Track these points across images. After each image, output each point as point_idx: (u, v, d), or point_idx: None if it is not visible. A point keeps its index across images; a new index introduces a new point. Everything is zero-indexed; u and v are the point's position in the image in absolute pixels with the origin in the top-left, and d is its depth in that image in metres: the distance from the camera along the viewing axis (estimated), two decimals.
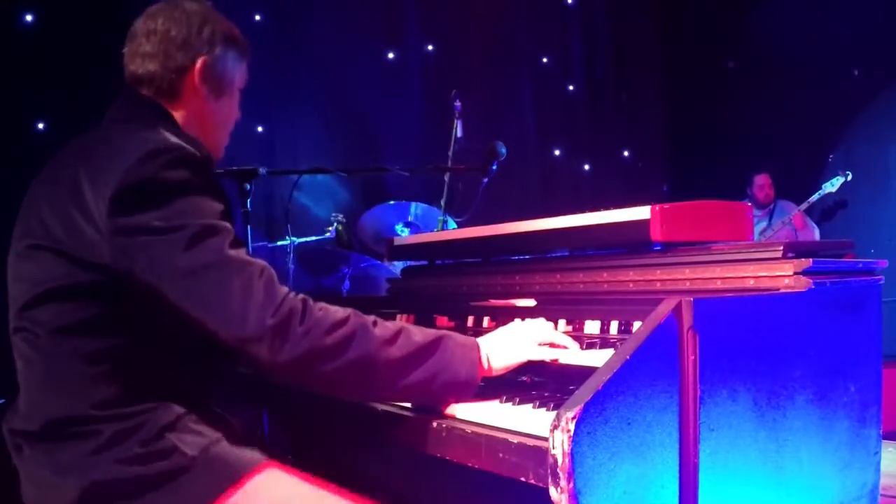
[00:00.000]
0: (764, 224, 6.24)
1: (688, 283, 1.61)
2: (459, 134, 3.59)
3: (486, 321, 1.92)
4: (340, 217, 4.34)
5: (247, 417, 2.35)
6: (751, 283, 1.52)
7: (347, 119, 5.75)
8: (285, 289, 1.39)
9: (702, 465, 1.28)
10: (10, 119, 4.13)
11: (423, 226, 4.55)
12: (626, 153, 7.57)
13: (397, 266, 3.78)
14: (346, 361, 1.38)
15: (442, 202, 3.56)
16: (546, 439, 1.15)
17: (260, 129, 5.53)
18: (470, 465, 1.34)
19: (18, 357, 1.48)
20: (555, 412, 1.17)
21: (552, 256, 2.08)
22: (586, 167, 7.33)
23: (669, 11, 7.39)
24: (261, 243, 4.34)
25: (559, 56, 7.20)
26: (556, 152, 7.15)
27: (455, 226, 4.22)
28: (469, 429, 1.35)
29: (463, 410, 1.43)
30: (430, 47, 6.33)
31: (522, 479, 1.23)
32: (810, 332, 1.50)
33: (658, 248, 1.70)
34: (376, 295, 3.03)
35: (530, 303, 1.83)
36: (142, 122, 1.53)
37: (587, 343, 1.57)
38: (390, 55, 6.13)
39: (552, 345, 1.55)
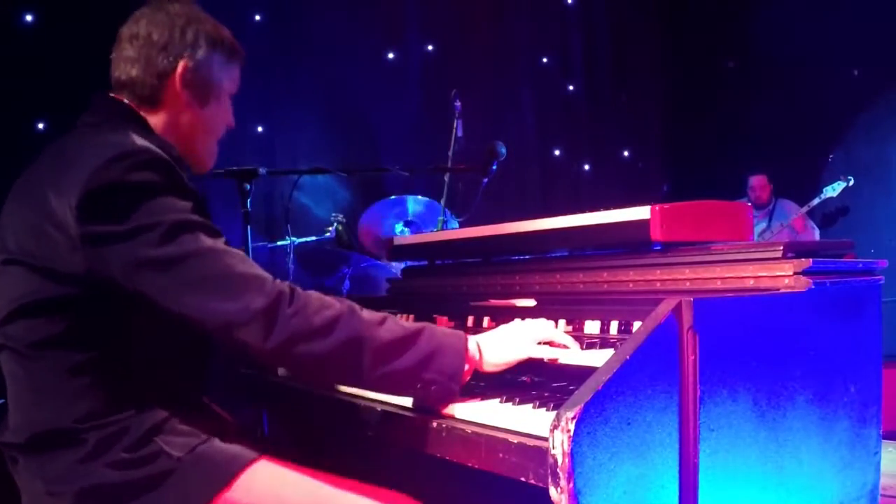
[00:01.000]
0: (763, 225, 6.24)
1: (688, 283, 1.61)
2: (459, 134, 3.59)
3: (486, 321, 1.92)
4: (340, 217, 4.35)
5: (246, 417, 2.35)
6: (751, 283, 1.52)
7: (347, 119, 5.75)
8: (269, 274, 1.39)
9: (702, 465, 1.28)
10: (10, 119, 4.13)
11: (422, 223, 4.55)
12: (626, 153, 7.57)
13: (397, 266, 3.78)
14: (336, 342, 1.37)
15: (442, 202, 3.55)
16: (546, 439, 1.15)
17: (260, 129, 5.53)
18: (470, 465, 1.34)
19: (5, 372, 1.47)
20: (555, 412, 1.17)
21: (552, 256, 2.08)
22: (586, 167, 7.34)
23: (669, 11, 7.39)
24: (261, 243, 4.34)
25: (559, 56, 7.20)
26: (556, 152, 7.15)
27: (455, 225, 4.22)
28: (469, 429, 1.35)
29: (463, 410, 1.43)
30: (430, 47, 6.33)
31: (522, 479, 1.22)
32: (810, 332, 1.50)
33: (658, 248, 1.70)
34: (376, 295, 3.03)
35: (530, 303, 1.83)
36: (111, 126, 1.49)
37: (587, 343, 1.57)
38: (390, 55, 6.13)
39: (552, 344, 1.54)
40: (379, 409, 1.60)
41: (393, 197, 4.67)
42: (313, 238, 4.32)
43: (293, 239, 4.09)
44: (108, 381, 1.40)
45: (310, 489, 1.48)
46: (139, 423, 1.41)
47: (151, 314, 1.36)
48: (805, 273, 1.47)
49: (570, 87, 7.26)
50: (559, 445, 1.13)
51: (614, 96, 7.39)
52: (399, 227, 4.58)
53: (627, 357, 1.21)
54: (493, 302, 1.93)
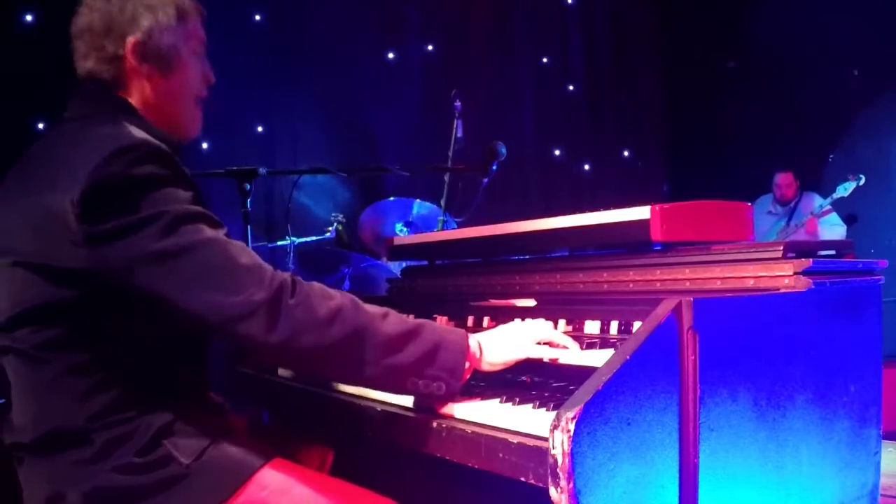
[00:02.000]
0: (783, 223, 6.19)
1: (688, 283, 1.61)
2: (459, 134, 3.59)
3: (486, 321, 1.91)
4: (340, 217, 4.35)
5: (246, 417, 2.35)
6: (751, 283, 1.52)
7: (347, 119, 5.75)
8: (270, 266, 1.38)
9: (702, 465, 1.28)
10: (10, 119, 4.13)
11: (422, 224, 4.55)
12: (626, 153, 7.58)
13: (397, 266, 3.78)
14: (339, 334, 1.36)
15: (442, 202, 3.55)
16: (546, 439, 1.15)
17: (260, 129, 5.53)
18: (470, 465, 1.33)
19: (10, 373, 1.46)
20: (555, 412, 1.17)
21: (552, 256, 2.08)
22: (586, 167, 7.34)
23: (669, 11, 7.39)
24: (261, 243, 4.34)
25: (559, 56, 7.20)
26: (556, 152, 7.15)
27: (455, 226, 4.22)
28: (469, 429, 1.35)
29: (463, 410, 1.43)
30: (430, 47, 6.33)
31: (522, 479, 1.22)
32: (810, 332, 1.50)
33: (658, 248, 1.70)
34: (376, 295, 3.03)
35: (530, 303, 1.83)
36: (102, 117, 1.47)
37: (587, 343, 1.57)
38: (390, 55, 6.13)
39: (552, 344, 1.54)
40: (379, 409, 1.60)
41: (392, 198, 4.68)
42: (313, 238, 4.32)
43: (293, 239, 4.09)
44: (113, 380, 1.39)
45: (319, 492, 1.47)
46: (147, 424, 1.39)
47: (152, 312, 1.35)
48: (805, 273, 1.47)
49: (570, 87, 7.26)
50: (559, 445, 1.13)
51: (614, 96, 7.39)
52: (399, 227, 4.58)
53: (627, 357, 1.21)
54: (493, 302, 1.93)
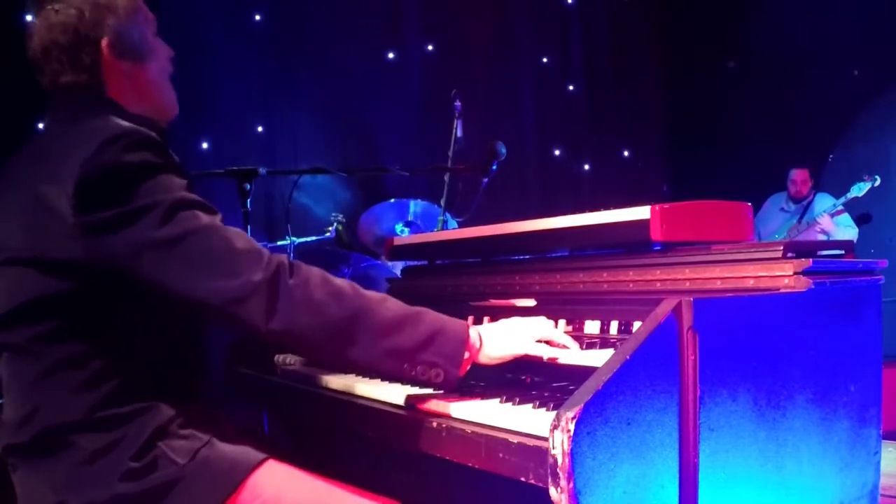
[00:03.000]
0: (794, 221, 6.17)
1: (688, 283, 1.61)
2: (459, 134, 3.59)
3: (486, 321, 1.91)
4: (340, 217, 4.34)
5: (245, 418, 2.35)
6: (751, 283, 1.52)
7: (347, 119, 5.75)
8: (267, 250, 1.38)
9: (702, 465, 1.28)
10: (10, 118, 4.13)
11: (423, 225, 4.55)
12: (626, 153, 7.57)
13: (397, 266, 3.78)
14: (339, 315, 1.37)
15: (442, 202, 3.55)
16: (546, 439, 1.15)
17: (260, 129, 5.53)
18: (470, 465, 1.33)
19: (3, 373, 1.46)
20: (555, 412, 1.17)
21: (552, 256, 2.08)
22: (586, 167, 7.34)
23: (669, 11, 7.39)
24: (261, 243, 4.33)
25: (559, 56, 7.20)
26: (556, 152, 7.15)
27: (455, 225, 4.22)
28: (469, 429, 1.35)
29: (463, 410, 1.43)
30: (430, 47, 6.33)
31: (522, 479, 1.22)
32: (810, 332, 1.50)
33: (658, 248, 1.70)
34: None
35: (530, 303, 1.83)
36: (91, 114, 1.46)
37: (587, 343, 1.57)
38: (390, 55, 6.13)
39: (552, 343, 1.53)
40: (379, 408, 1.60)
41: (393, 200, 4.68)
42: (313, 238, 4.32)
43: (293, 239, 4.08)
44: (108, 373, 1.39)
45: (315, 494, 1.47)
46: (143, 423, 1.39)
47: (147, 306, 1.36)
48: (805, 273, 1.47)
49: (570, 87, 7.26)
50: (559, 445, 1.13)
51: (614, 96, 7.39)
52: (399, 227, 4.58)
53: (627, 357, 1.21)
54: (493, 302, 1.93)
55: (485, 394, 1.50)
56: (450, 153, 3.53)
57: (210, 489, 1.39)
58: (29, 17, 1.55)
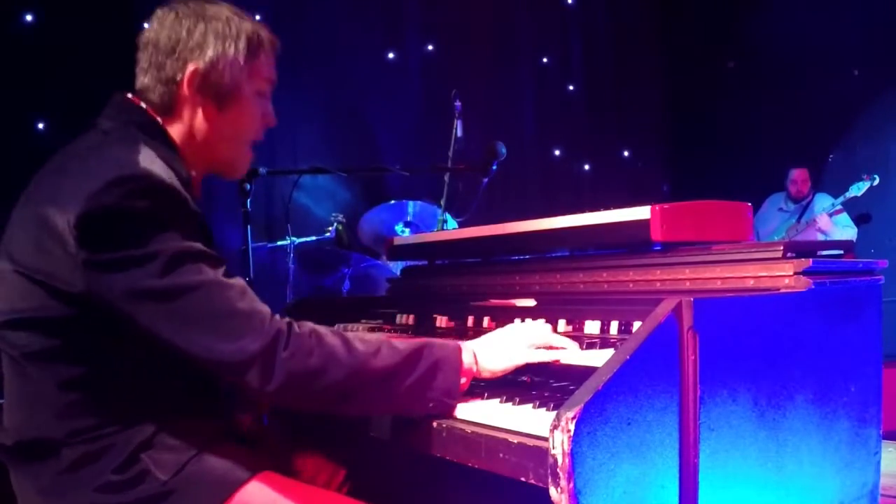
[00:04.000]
0: (793, 221, 6.15)
1: (688, 283, 1.61)
2: (459, 134, 3.59)
3: (486, 321, 1.92)
4: (340, 217, 4.35)
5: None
6: (751, 283, 1.52)
7: (347, 119, 5.75)
8: (267, 309, 1.35)
9: (702, 465, 1.28)
10: (10, 119, 4.13)
11: (422, 225, 4.56)
12: (626, 153, 7.58)
13: (397, 266, 3.78)
14: (333, 379, 1.34)
15: (442, 202, 3.55)
16: (546, 439, 1.15)
17: None
18: (470, 465, 1.33)
19: (5, 374, 1.44)
20: (555, 412, 1.17)
21: (552, 256, 2.08)
22: (586, 167, 7.34)
23: (669, 11, 7.39)
24: (261, 243, 4.34)
25: (559, 56, 7.20)
26: (556, 152, 7.15)
27: (455, 226, 4.22)
28: (469, 429, 1.35)
29: (463, 410, 1.43)
30: (430, 47, 6.33)
31: (522, 479, 1.22)
32: (810, 332, 1.50)
33: (658, 248, 1.70)
34: (376, 295, 3.03)
35: (530, 303, 1.83)
36: (123, 135, 1.42)
37: (587, 343, 1.57)
38: (390, 55, 6.13)
39: (549, 347, 1.53)
40: None
41: (392, 202, 4.68)
42: (313, 238, 4.32)
43: (293, 239, 4.09)
44: (98, 396, 1.36)
45: None
46: (126, 438, 1.36)
47: (148, 337, 1.32)
48: (805, 273, 1.47)
49: (570, 88, 7.26)
50: (559, 445, 1.13)
51: (614, 96, 7.39)
52: (399, 227, 4.58)
53: (627, 357, 1.21)
54: (493, 302, 1.93)
55: (485, 394, 1.51)
56: (450, 153, 3.53)
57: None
58: (159, 11, 1.51)
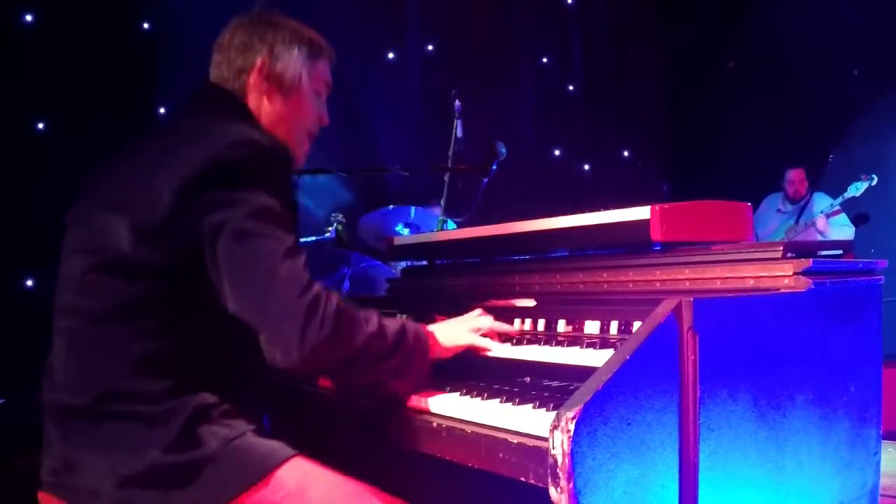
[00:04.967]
0: (791, 222, 6.15)
1: (688, 283, 1.61)
2: (459, 134, 3.59)
3: None
4: (340, 217, 4.34)
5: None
6: (751, 284, 1.52)
7: (347, 119, 5.74)
8: (309, 280, 1.45)
9: (702, 465, 1.28)
10: (10, 119, 4.13)
11: (422, 225, 4.56)
12: (626, 153, 7.57)
13: (397, 266, 3.78)
14: (351, 347, 1.46)
15: (442, 202, 3.55)
16: (546, 439, 1.15)
17: None
18: (470, 465, 1.34)
19: (65, 332, 1.53)
20: (555, 412, 1.17)
21: (552, 256, 2.08)
22: (586, 167, 7.34)
23: (669, 11, 7.39)
24: None
25: (559, 56, 7.20)
26: (556, 152, 7.15)
27: (455, 226, 4.21)
28: (469, 429, 1.35)
29: (463, 410, 1.44)
30: (430, 47, 6.33)
31: (522, 479, 1.23)
32: (810, 332, 1.50)
33: (658, 248, 1.70)
34: (376, 295, 3.03)
35: (530, 303, 1.83)
36: (226, 115, 1.61)
37: (587, 343, 1.57)
38: (390, 55, 6.13)
39: (492, 334, 1.69)
40: (379, 409, 1.60)
41: (392, 206, 4.68)
42: (313, 238, 4.32)
43: None
44: (173, 358, 1.47)
45: (339, 491, 1.50)
46: (191, 404, 1.46)
47: (216, 302, 1.43)
48: (805, 273, 1.47)
49: (570, 87, 7.25)
50: (559, 445, 1.13)
51: (614, 96, 7.39)
52: (399, 227, 4.58)
53: (627, 357, 1.21)
54: (493, 302, 1.93)
55: (485, 394, 1.51)
56: (450, 153, 3.53)
57: (235, 476, 1.44)
58: (235, 20, 1.74)
